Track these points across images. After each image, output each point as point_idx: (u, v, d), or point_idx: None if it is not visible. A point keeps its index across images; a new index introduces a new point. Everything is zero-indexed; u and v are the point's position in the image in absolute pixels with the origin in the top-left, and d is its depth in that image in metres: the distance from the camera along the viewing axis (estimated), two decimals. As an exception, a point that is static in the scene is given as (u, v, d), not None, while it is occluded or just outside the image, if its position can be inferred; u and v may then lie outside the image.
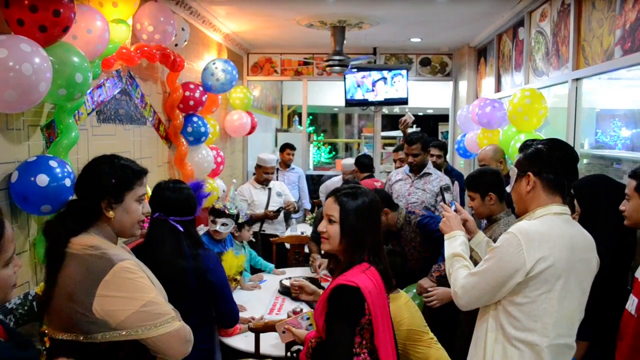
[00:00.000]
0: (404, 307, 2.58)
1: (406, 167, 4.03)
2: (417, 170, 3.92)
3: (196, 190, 2.55)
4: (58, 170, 2.29)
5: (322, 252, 3.93)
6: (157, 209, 2.35)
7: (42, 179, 2.22)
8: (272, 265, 4.21)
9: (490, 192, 2.79)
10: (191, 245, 2.35)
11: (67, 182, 2.31)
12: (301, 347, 2.68)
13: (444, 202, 2.17)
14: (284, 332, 2.24)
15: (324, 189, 6.16)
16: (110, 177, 1.70)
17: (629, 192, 2.05)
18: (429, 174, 3.93)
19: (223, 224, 3.50)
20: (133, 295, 1.58)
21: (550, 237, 1.69)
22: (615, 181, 2.51)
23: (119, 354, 1.63)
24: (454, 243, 1.94)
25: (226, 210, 3.52)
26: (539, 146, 1.83)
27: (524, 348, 1.71)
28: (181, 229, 2.33)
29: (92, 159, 1.79)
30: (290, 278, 3.64)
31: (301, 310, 2.78)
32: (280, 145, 6.50)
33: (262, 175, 5.02)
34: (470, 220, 2.09)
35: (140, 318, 1.57)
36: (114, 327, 1.56)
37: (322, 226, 1.98)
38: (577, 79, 3.64)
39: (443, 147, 4.94)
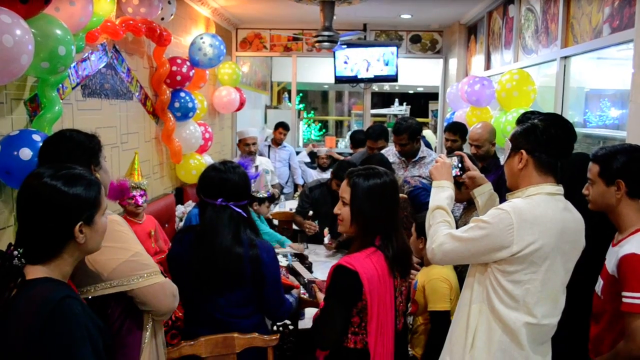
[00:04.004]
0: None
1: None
2: (409, 156, 3.85)
3: None
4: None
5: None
6: (220, 194, 2.11)
7: (25, 153, 2.19)
8: (279, 237, 3.96)
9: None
10: (251, 232, 2.17)
11: (51, 156, 2.28)
12: (290, 325, 2.74)
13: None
14: (311, 287, 2.33)
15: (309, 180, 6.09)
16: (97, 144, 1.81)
17: (592, 176, 1.98)
18: (423, 157, 3.84)
19: None
20: (123, 245, 1.66)
21: (543, 221, 1.65)
22: None
23: (108, 312, 1.69)
24: (441, 194, 1.89)
25: None
26: (535, 121, 1.74)
27: (505, 324, 1.71)
28: (245, 214, 2.15)
29: (66, 134, 1.80)
30: (285, 256, 3.62)
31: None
32: (275, 124, 6.47)
33: (244, 149, 5.02)
34: (478, 176, 2.07)
35: (130, 267, 1.64)
36: (105, 278, 1.62)
37: (337, 208, 1.99)
38: (565, 57, 3.64)
39: (459, 130, 4.13)
